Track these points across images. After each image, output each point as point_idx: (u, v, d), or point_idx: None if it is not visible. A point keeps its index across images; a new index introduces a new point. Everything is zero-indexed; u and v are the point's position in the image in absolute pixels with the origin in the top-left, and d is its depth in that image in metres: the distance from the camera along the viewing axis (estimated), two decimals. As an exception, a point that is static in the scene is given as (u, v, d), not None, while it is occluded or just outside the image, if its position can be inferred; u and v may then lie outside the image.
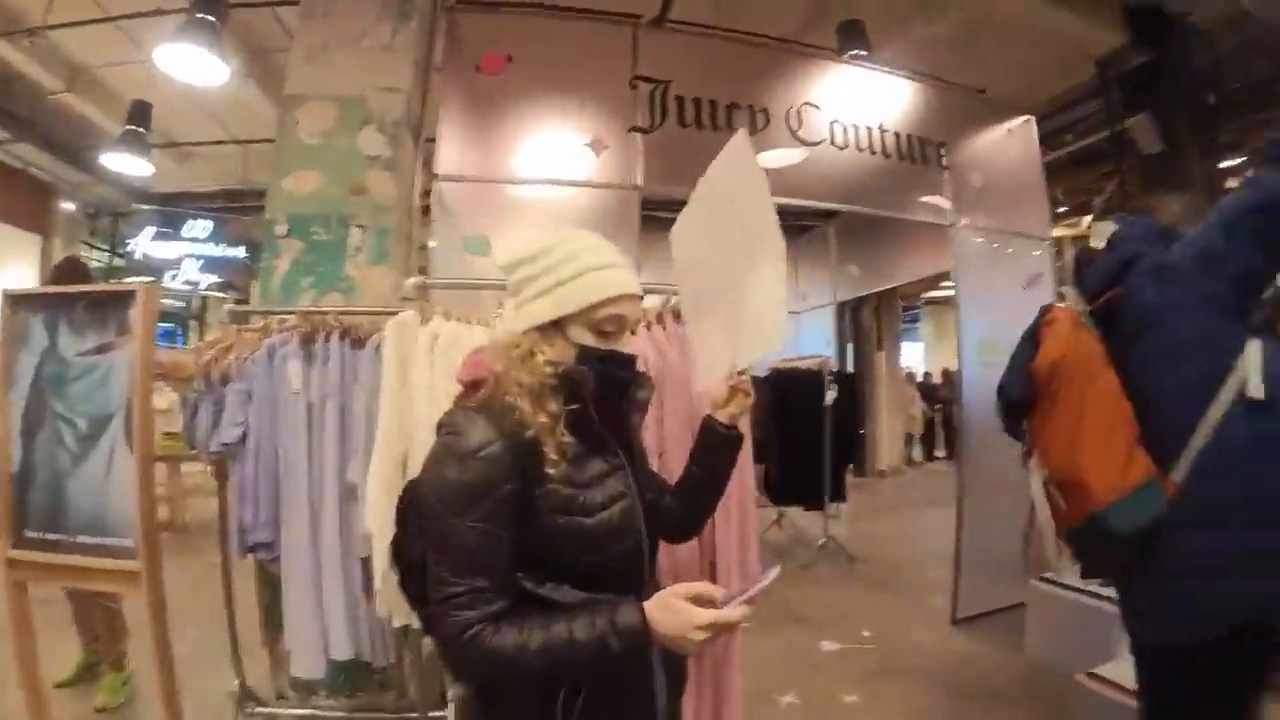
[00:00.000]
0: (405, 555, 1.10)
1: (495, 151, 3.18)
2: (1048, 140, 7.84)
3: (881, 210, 4.03)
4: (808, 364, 5.67)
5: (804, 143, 3.56)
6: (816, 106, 3.62)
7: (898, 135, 3.92)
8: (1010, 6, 5.00)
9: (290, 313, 2.20)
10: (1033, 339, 1.61)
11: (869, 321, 9.33)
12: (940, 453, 11.88)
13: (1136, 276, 1.50)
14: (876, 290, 8.51)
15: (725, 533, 1.99)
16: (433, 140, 3.08)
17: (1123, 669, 2.53)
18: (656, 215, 4.95)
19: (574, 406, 1.03)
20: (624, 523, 1.06)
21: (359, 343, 2.09)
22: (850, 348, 9.30)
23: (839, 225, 6.76)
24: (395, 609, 1.81)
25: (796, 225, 7.19)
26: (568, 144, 3.21)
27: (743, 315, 1.41)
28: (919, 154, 4.01)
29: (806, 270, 7.72)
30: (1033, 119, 4.74)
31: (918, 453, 11.38)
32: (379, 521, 1.75)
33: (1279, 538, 1.34)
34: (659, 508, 1.21)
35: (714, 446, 1.24)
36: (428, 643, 2.02)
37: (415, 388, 1.86)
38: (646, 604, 0.95)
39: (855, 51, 3.97)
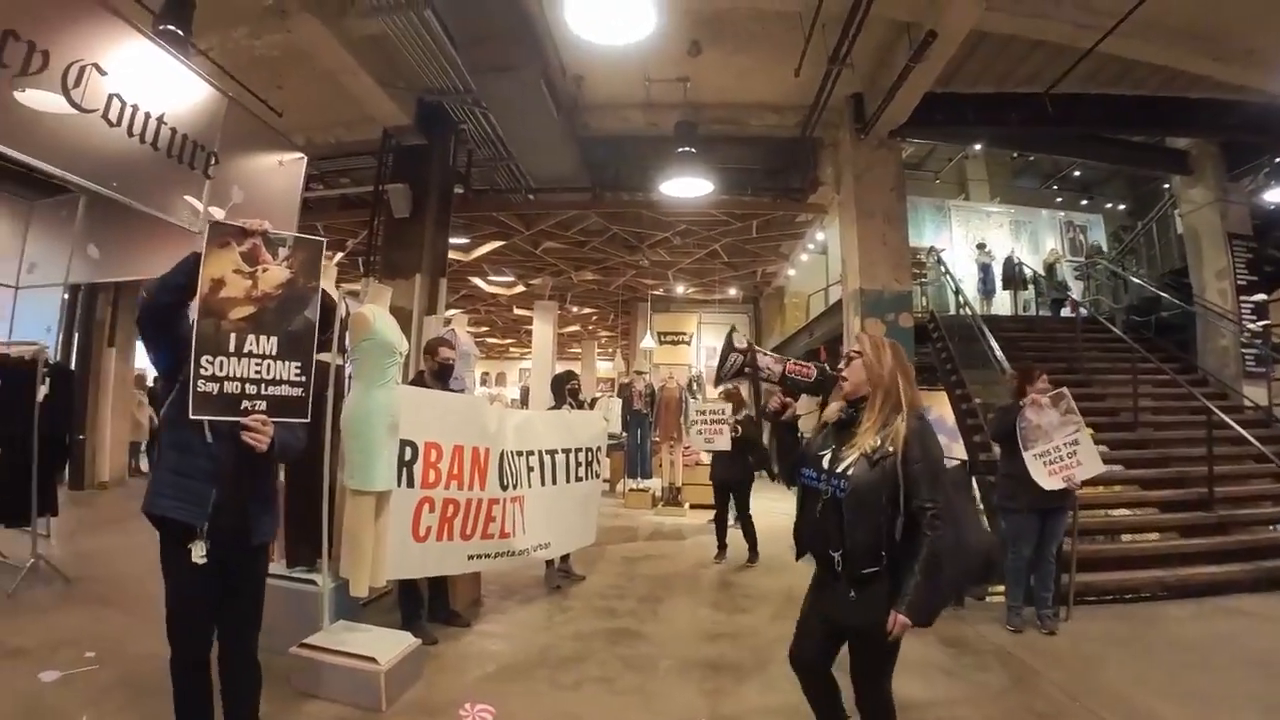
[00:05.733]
0: None
1: None
2: (328, 178, 8.76)
3: (136, 202, 3.77)
4: (19, 352, 4.67)
5: (77, 106, 3.12)
6: (104, 72, 3.23)
7: (174, 131, 3.82)
8: (333, 58, 5.57)
9: None
10: None
11: (103, 313, 8.03)
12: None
13: None
14: (117, 279, 7.39)
15: None
16: None
17: (328, 636, 3.19)
18: None
19: None
20: None
21: None
22: (76, 339, 7.82)
23: (93, 198, 5.73)
24: None
25: (44, 183, 5.73)
26: None
27: None
28: (189, 156, 3.98)
29: (40, 238, 6.18)
30: (305, 158, 5.30)
31: (144, 462, 10.46)
32: None
33: None
34: None
35: None
36: None
37: None
38: None
39: (170, 26, 3.74)
